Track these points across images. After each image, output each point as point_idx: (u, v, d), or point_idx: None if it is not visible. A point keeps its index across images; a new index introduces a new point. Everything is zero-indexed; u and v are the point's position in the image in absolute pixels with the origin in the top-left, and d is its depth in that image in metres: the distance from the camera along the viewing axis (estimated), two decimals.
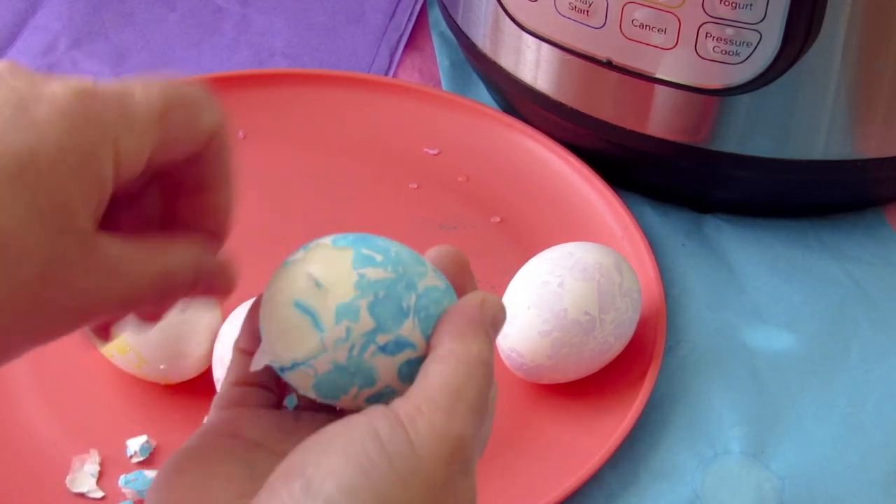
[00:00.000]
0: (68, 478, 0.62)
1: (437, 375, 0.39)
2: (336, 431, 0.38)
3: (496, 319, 0.41)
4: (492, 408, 0.42)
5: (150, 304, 0.41)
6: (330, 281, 0.41)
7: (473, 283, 0.44)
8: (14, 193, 0.35)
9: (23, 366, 0.67)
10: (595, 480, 0.63)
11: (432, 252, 0.45)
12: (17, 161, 0.36)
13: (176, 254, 0.41)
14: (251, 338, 0.44)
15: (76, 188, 0.37)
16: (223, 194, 0.43)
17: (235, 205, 0.43)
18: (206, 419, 0.44)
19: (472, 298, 0.42)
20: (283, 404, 0.45)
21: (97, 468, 0.63)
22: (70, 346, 0.67)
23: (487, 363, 0.40)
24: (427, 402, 0.38)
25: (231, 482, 0.39)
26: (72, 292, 0.37)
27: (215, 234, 0.43)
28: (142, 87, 0.39)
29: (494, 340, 0.41)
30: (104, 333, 0.43)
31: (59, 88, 0.37)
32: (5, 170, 0.35)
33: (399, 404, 0.39)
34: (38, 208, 0.36)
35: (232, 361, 0.45)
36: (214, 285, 0.43)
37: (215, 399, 0.44)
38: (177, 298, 0.42)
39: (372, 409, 0.39)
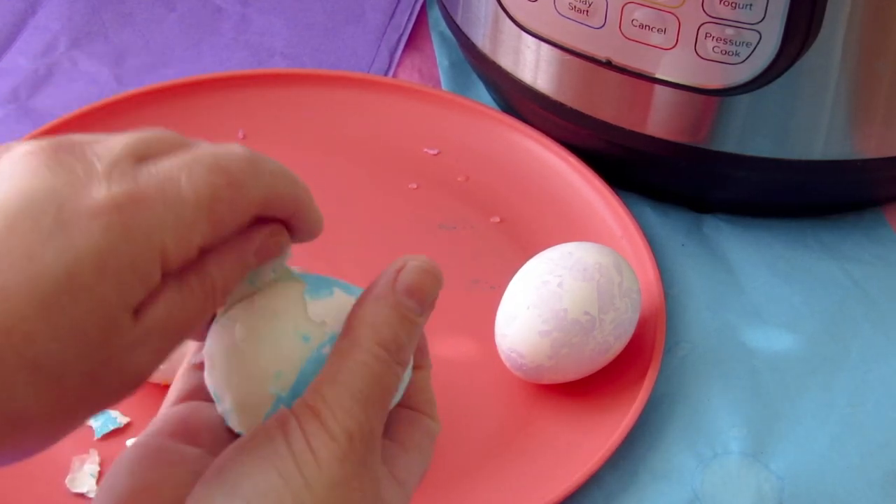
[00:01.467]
0: (68, 478, 0.62)
1: (329, 368, 0.39)
2: (240, 471, 0.38)
3: (414, 286, 0.40)
4: (405, 381, 0.41)
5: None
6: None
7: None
8: (49, 317, 0.34)
9: None
10: (595, 480, 0.63)
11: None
12: (55, 282, 0.34)
13: (213, 262, 0.39)
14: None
15: (117, 299, 0.35)
16: (303, 217, 0.41)
17: (315, 211, 0.42)
18: (158, 412, 0.43)
19: (388, 270, 0.40)
20: None
21: (97, 468, 0.63)
22: None
23: (388, 342, 0.39)
24: (319, 401, 0.38)
25: (178, 487, 0.39)
26: (124, 369, 0.37)
27: (306, 233, 0.42)
28: (188, 173, 0.37)
29: (419, 310, 0.40)
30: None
31: (102, 193, 0.36)
32: (41, 292, 0.34)
33: (297, 407, 0.38)
34: (80, 328, 0.35)
35: (184, 372, 0.44)
36: (268, 254, 0.41)
37: (168, 394, 0.44)
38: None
39: (278, 416, 0.39)
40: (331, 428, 0.38)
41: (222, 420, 0.42)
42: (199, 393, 0.43)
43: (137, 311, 0.36)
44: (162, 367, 0.65)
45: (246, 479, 0.37)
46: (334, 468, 0.38)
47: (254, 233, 0.40)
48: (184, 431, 0.41)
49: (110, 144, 0.37)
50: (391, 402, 0.40)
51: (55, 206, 0.35)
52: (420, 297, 0.40)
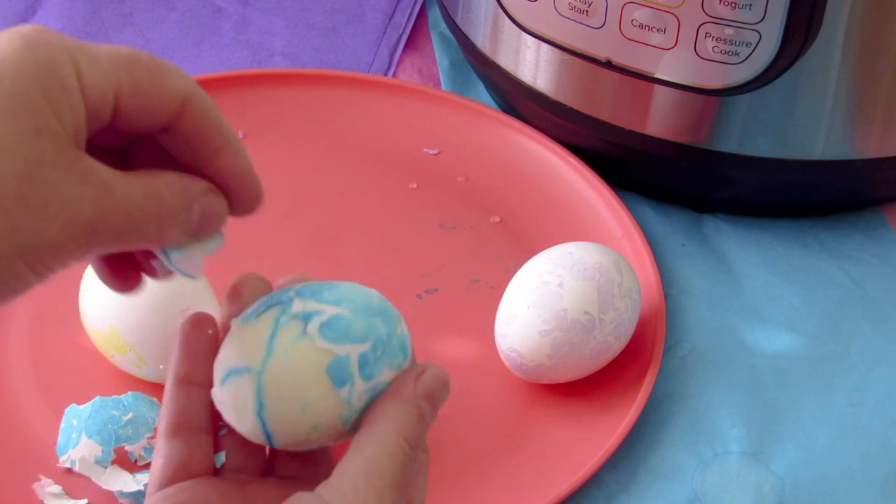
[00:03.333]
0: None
1: (356, 458, 0.42)
2: None
3: (431, 391, 0.44)
4: (424, 472, 0.45)
5: (147, 238, 0.41)
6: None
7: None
8: None
9: (23, 366, 0.67)
10: (595, 480, 0.63)
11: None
12: None
13: (165, 178, 0.41)
14: (190, 360, 0.45)
15: (41, 94, 0.37)
16: (228, 157, 0.42)
17: (248, 164, 0.43)
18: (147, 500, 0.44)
19: (410, 373, 0.44)
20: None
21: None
22: (70, 346, 0.67)
23: (410, 439, 0.42)
24: (347, 487, 0.41)
25: None
26: (62, 198, 0.37)
27: (244, 198, 0.43)
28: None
29: (432, 413, 0.44)
30: (126, 277, 0.44)
31: (20, 26, 0.39)
32: None
33: (323, 491, 0.41)
34: (11, 110, 0.37)
35: (167, 407, 0.45)
36: (206, 217, 0.42)
37: (152, 473, 0.45)
38: (174, 234, 0.41)
39: (303, 498, 0.41)
40: None
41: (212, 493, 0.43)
42: (186, 468, 0.44)
43: (76, 145, 0.38)
44: (162, 367, 0.65)
45: None
46: None
47: (196, 180, 0.42)
48: None
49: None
50: (409, 492, 0.43)
51: None
52: (434, 402, 0.44)
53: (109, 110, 0.39)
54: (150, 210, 0.40)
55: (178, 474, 0.44)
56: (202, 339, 0.45)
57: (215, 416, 0.45)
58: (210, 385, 0.44)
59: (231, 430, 0.44)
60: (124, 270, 0.44)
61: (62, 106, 0.38)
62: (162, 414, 0.45)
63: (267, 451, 0.46)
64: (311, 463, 0.46)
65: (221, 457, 0.45)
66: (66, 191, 0.37)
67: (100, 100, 0.39)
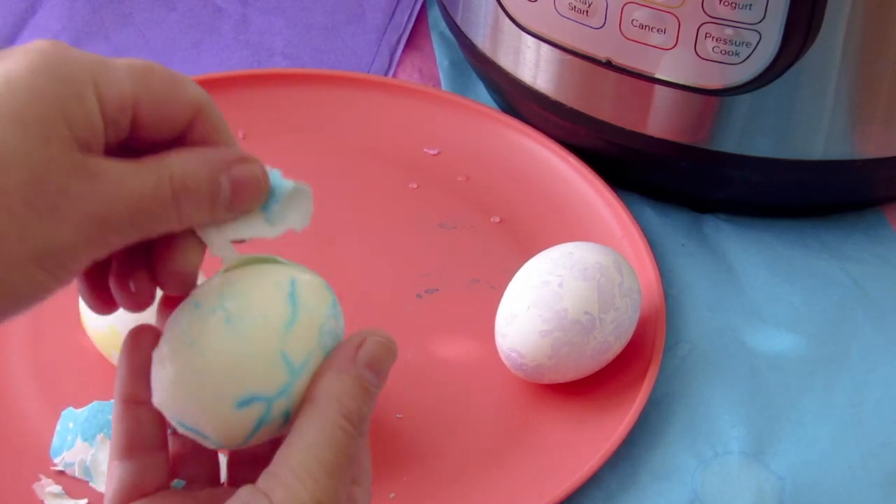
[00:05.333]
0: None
1: (296, 444, 0.40)
2: None
3: (374, 360, 0.42)
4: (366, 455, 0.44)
5: (167, 223, 0.40)
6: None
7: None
8: None
9: (23, 366, 0.67)
10: (595, 480, 0.63)
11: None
12: None
13: (180, 156, 0.40)
14: (135, 379, 0.44)
15: (54, 105, 0.38)
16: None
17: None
18: None
19: (349, 343, 0.42)
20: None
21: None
22: (70, 346, 0.67)
23: (352, 415, 0.41)
24: (288, 476, 0.40)
25: None
26: (71, 200, 0.37)
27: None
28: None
29: (378, 382, 0.42)
30: (105, 302, 0.43)
31: (38, 41, 0.39)
32: None
33: (263, 482, 0.40)
34: (22, 121, 0.37)
35: (117, 426, 0.44)
36: (240, 188, 0.41)
37: (106, 495, 0.44)
38: (201, 214, 0.41)
39: (245, 492, 0.40)
40: (301, 498, 0.39)
41: None
42: (140, 487, 0.44)
43: (87, 151, 0.38)
44: None
45: None
46: None
47: (222, 151, 0.41)
48: None
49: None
50: (353, 470, 0.42)
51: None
52: (378, 370, 0.42)
53: (128, 120, 0.40)
54: (163, 195, 0.39)
55: (132, 494, 0.43)
56: (145, 357, 0.43)
57: (166, 429, 0.44)
58: None
59: (181, 441, 0.44)
60: (106, 292, 0.43)
61: (76, 114, 0.38)
62: (113, 434, 0.44)
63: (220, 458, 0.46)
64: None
65: (179, 483, 0.45)
66: (74, 192, 0.37)
67: (118, 110, 0.39)
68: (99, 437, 0.61)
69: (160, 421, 0.44)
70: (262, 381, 0.41)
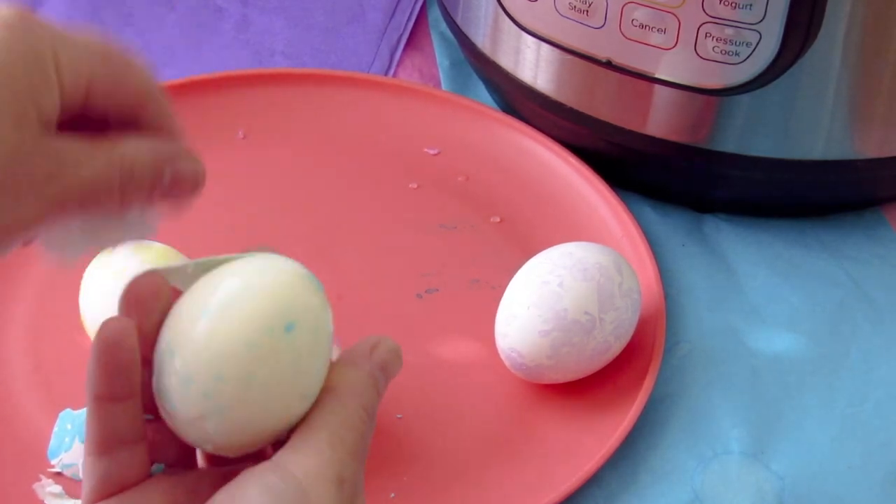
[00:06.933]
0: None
1: (321, 427, 0.42)
2: (233, 493, 0.40)
3: (386, 363, 0.44)
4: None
5: (110, 206, 0.42)
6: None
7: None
8: None
9: (23, 366, 0.67)
10: (595, 480, 0.63)
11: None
12: None
13: (132, 144, 0.42)
14: (108, 378, 0.42)
15: (26, 87, 0.39)
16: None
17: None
18: None
19: (364, 344, 0.44)
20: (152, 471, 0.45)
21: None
22: (70, 346, 0.67)
23: (368, 407, 0.43)
24: (310, 449, 0.41)
25: None
26: (35, 185, 0.39)
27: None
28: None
29: (384, 384, 0.44)
30: None
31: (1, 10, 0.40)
32: None
33: (286, 456, 0.41)
34: (2, 101, 0.38)
35: (91, 427, 0.43)
36: (179, 181, 0.44)
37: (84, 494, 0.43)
38: (138, 199, 0.43)
39: (261, 468, 0.41)
40: (326, 474, 0.41)
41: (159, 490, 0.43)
42: (120, 483, 0.43)
43: (48, 130, 0.40)
44: None
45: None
46: None
47: (169, 142, 0.44)
48: None
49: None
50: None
51: None
52: (387, 374, 0.44)
53: (82, 96, 0.41)
54: (111, 180, 0.42)
55: (112, 490, 0.43)
56: (126, 355, 0.42)
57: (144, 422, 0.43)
58: (134, 396, 0.42)
59: (155, 427, 0.43)
60: None
61: (44, 98, 0.40)
62: (87, 431, 0.43)
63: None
64: None
65: (159, 468, 0.44)
66: (37, 177, 0.39)
67: (74, 87, 0.41)
68: None
69: (138, 415, 0.43)
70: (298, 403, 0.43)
